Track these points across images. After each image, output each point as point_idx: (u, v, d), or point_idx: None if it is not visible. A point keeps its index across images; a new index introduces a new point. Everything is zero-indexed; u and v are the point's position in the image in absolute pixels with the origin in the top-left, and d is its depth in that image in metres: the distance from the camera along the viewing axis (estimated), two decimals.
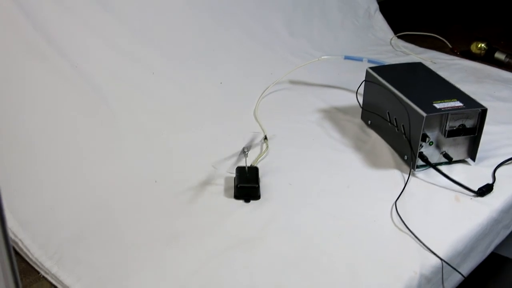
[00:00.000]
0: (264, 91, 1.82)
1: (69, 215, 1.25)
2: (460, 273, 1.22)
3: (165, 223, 1.24)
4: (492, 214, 1.31)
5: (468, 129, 1.41)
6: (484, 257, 1.33)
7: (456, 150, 1.43)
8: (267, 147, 1.51)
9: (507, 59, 2.15)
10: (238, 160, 1.32)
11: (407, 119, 1.41)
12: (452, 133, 1.40)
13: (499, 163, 1.46)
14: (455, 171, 1.43)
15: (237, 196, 1.32)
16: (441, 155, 1.43)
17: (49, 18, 1.59)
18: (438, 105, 1.39)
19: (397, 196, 1.33)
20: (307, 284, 1.09)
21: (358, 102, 1.66)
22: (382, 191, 1.36)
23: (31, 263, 1.15)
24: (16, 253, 1.17)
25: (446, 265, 1.17)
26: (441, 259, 1.16)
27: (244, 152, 1.30)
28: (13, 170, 1.34)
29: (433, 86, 1.52)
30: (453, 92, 1.48)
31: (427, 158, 1.40)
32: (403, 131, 1.44)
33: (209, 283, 1.09)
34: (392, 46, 2.32)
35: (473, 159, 1.45)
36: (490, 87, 1.94)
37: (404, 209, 1.29)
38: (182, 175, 1.40)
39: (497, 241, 1.37)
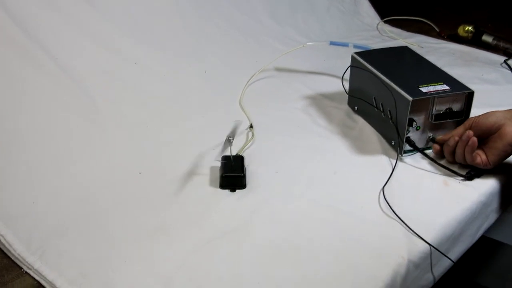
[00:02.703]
0: (250, 79, 1.80)
1: (52, 209, 1.23)
2: (449, 258, 1.21)
3: (150, 215, 1.22)
4: (480, 197, 1.30)
5: (455, 113, 1.39)
6: (473, 242, 1.32)
7: (444, 134, 1.42)
8: (253, 135, 1.50)
9: (495, 42, 2.14)
10: (224, 149, 1.30)
11: (393, 104, 1.39)
12: (439, 117, 1.38)
13: None
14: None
15: (223, 185, 1.30)
16: (429, 140, 1.41)
17: (30, 12, 1.57)
18: (424, 89, 1.37)
19: (384, 182, 1.31)
20: (295, 272, 1.08)
21: (344, 88, 1.65)
22: (369, 177, 1.34)
23: (13, 258, 1.12)
24: None
25: (435, 250, 1.16)
26: (429, 244, 1.15)
27: (228, 141, 1.29)
28: None
29: (419, 70, 1.51)
30: (439, 75, 1.46)
31: (414, 143, 1.39)
32: (389, 116, 1.43)
33: (196, 274, 1.07)
34: (379, 31, 2.31)
35: None
36: (478, 69, 1.92)
37: (392, 194, 1.28)
38: (166, 166, 1.38)
39: (486, 225, 1.36)
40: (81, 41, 1.64)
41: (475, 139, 1.29)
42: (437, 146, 1.39)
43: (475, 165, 1.32)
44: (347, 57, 1.63)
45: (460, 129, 1.35)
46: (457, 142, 1.33)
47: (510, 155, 1.30)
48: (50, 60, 1.54)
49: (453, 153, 1.35)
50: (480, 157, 1.31)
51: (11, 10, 1.53)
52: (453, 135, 1.34)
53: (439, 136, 1.40)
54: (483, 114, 1.32)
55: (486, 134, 1.31)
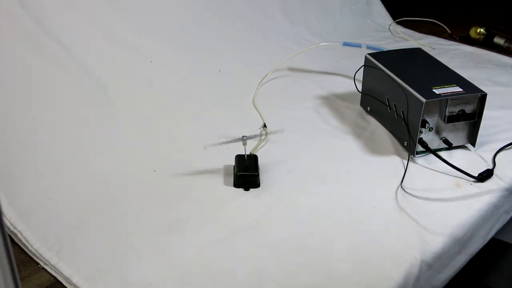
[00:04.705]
0: (263, 78, 1.81)
1: (68, 205, 1.25)
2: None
3: (165, 212, 1.24)
4: (492, 199, 1.30)
5: (468, 115, 1.40)
6: (484, 243, 1.33)
7: (456, 135, 1.43)
8: (267, 134, 1.51)
9: (506, 44, 2.14)
10: (237, 147, 1.32)
11: (407, 105, 1.40)
12: (451, 119, 1.39)
13: (499, 148, 1.45)
14: (455, 156, 1.42)
15: (237, 184, 1.31)
16: (441, 141, 1.42)
17: (46, 7, 1.58)
18: (437, 91, 1.38)
19: (397, 183, 1.32)
20: (308, 271, 1.09)
21: (357, 88, 1.65)
22: (381, 178, 1.35)
23: (30, 254, 1.14)
24: (15, 244, 1.17)
25: (447, 251, 1.17)
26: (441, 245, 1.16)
27: (243, 140, 1.30)
28: (11, 161, 1.34)
29: (432, 72, 1.52)
30: (453, 77, 1.47)
31: (427, 144, 1.39)
32: (402, 117, 1.43)
33: (209, 271, 1.09)
34: (391, 32, 2.31)
35: (473, 144, 1.44)
36: (490, 72, 1.93)
37: (404, 195, 1.29)
38: (181, 163, 1.40)
39: (498, 226, 1.36)
40: (98, 38, 1.66)
41: None
42: None
43: None
44: (360, 57, 1.64)
45: None
46: None
47: None
48: (67, 56, 1.55)
49: None
50: None
51: (27, 5, 1.54)
52: None
53: None
54: None
55: None
